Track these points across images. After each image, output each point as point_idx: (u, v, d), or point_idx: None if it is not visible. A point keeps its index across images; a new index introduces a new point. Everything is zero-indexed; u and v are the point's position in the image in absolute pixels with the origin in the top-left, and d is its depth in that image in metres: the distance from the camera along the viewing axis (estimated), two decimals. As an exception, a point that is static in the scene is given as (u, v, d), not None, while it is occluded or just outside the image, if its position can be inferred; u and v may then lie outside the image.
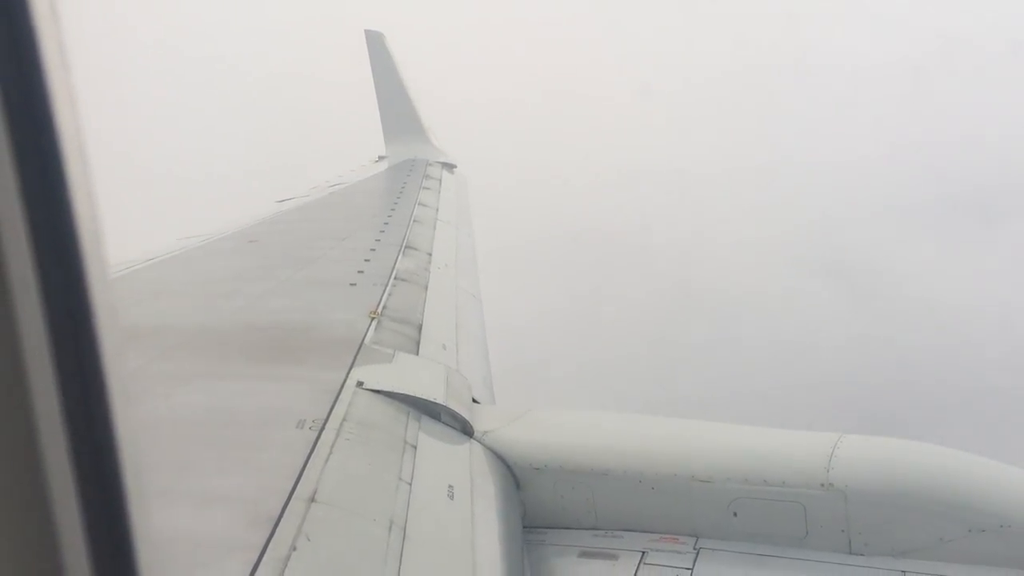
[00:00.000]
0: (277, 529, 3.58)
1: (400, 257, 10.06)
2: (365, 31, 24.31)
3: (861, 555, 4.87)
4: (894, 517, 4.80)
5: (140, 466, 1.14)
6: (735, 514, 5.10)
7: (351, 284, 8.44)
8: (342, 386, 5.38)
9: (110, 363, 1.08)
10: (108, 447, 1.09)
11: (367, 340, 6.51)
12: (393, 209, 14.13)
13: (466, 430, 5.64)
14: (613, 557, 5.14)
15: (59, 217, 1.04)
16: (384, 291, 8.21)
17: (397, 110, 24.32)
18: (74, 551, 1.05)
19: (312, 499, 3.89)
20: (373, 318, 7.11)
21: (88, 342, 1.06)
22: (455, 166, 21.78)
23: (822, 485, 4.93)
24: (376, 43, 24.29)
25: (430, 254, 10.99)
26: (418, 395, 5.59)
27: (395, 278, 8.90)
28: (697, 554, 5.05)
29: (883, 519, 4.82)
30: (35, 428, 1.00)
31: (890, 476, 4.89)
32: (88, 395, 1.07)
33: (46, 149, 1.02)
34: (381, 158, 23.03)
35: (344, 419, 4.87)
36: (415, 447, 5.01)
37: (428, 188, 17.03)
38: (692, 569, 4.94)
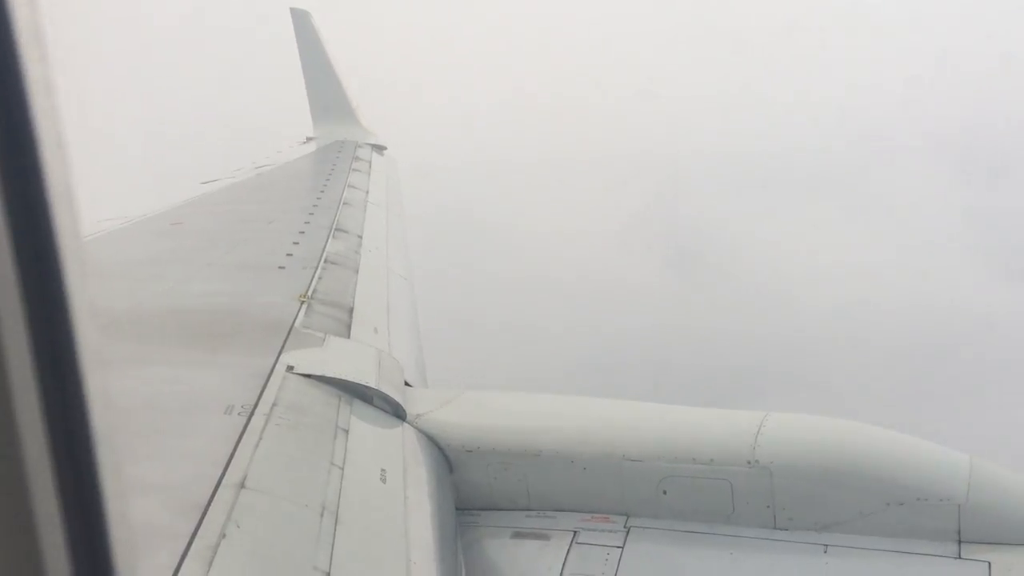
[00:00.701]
0: (206, 517, 3.51)
1: (330, 240, 9.92)
2: (291, 9, 23.78)
3: (785, 530, 5.01)
4: (817, 492, 4.95)
5: (118, 456, 1.14)
6: (665, 492, 5.20)
7: (280, 267, 8.30)
8: (272, 371, 5.30)
9: (87, 357, 1.07)
10: (85, 439, 1.09)
11: (297, 324, 6.42)
12: (322, 191, 13.92)
13: (398, 413, 5.62)
14: (545, 537, 5.20)
15: (37, 209, 1.02)
16: (314, 274, 8.09)
17: (325, 90, 23.89)
18: (53, 542, 1.03)
19: (242, 485, 3.83)
20: (303, 301, 7.01)
21: (65, 333, 1.05)
22: (385, 148, 21.51)
23: (748, 463, 5.06)
24: (302, 21, 23.80)
25: (360, 236, 10.87)
26: (350, 379, 5.55)
27: (325, 261, 8.78)
28: (628, 532, 5.14)
29: (806, 494, 4.97)
30: (14, 419, 0.98)
31: (813, 453, 5.04)
32: (65, 387, 1.07)
33: (18, 132, 0.99)
34: (309, 139, 22.59)
35: (274, 404, 4.80)
36: (347, 431, 4.97)
37: (358, 170, 16.81)
38: (623, 547, 5.03)
